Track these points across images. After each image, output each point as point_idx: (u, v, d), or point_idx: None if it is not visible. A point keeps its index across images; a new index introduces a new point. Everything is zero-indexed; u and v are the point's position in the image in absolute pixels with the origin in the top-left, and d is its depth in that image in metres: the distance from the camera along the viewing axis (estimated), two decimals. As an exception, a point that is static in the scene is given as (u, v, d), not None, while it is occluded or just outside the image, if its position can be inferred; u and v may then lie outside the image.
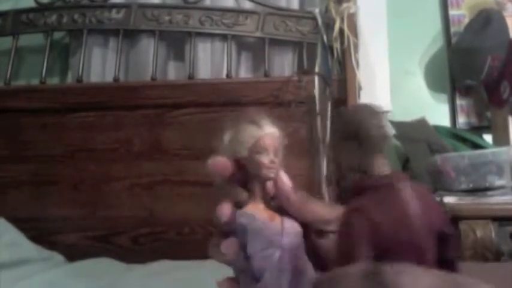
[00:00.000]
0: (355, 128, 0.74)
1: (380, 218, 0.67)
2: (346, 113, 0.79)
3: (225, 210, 0.85)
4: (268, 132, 0.88)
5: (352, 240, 0.68)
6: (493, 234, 1.22)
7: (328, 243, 0.81)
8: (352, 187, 0.73)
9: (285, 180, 0.86)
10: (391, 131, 1.71)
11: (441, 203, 1.20)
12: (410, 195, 0.71)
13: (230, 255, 0.80)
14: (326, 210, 0.85)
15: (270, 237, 0.81)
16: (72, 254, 1.44)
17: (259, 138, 0.87)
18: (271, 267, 0.79)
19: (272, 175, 0.86)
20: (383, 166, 0.75)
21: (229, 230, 0.83)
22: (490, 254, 1.21)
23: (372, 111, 0.77)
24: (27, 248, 1.37)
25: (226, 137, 0.91)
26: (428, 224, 0.72)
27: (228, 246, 0.80)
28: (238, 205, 0.85)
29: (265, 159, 0.85)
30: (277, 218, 0.86)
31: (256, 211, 0.84)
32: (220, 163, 0.87)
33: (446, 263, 0.74)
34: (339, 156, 0.80)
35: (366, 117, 0.75)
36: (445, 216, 0.79)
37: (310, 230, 0.84)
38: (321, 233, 0.83)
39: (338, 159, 0.84)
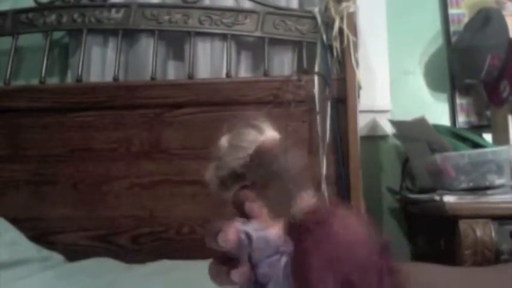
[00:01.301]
0: (273, 171, 0.71)
1: (334, 253, 0.60)
2: (260, 157, 0.76)
3: (231, 236, 0.80)
4: (269, 136, 0.86)
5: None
6: (493, 233, 1.22)
7: None
8: (294, 227, 0.70)
9: None
10: (390, 129, 1.72)
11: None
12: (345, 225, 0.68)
13: (243, 285, 0.77)
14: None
15: (275, 244, 0.80)
16: (72, 253, 1.44)
17: (259, 142, 0.85)
18: (277, 275, 0.77)
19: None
20: (308, 202, 0.73)
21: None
22: (490, 253, 1.21)
23: (284, 148, 0.76)
24: (27, 247, 1.36)
25: (223, 142, 0.89)
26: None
27: (241, 275, 0.77)
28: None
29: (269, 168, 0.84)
30: (281, 222, 0.85)
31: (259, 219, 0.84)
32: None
33: None
34: (265, 198, 0.78)
35: (279, 156, 0.72)
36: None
37: None
38: None
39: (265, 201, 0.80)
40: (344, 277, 0.62)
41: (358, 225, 0.74)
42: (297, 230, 0.63)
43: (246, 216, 0.69)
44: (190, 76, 1.65)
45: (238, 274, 0.77)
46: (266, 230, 0.83)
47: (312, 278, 0.60)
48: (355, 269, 0.63)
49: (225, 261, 0.73)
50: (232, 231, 0.76)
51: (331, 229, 0.62)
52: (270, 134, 0.86)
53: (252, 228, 0.84)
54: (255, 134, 0.87)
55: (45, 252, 1.40)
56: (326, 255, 0.60)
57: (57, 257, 1.43)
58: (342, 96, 1.51)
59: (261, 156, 0.71)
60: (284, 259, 0.81)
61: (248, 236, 0.82)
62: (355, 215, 0.66)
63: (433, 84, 1.86)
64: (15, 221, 1.41)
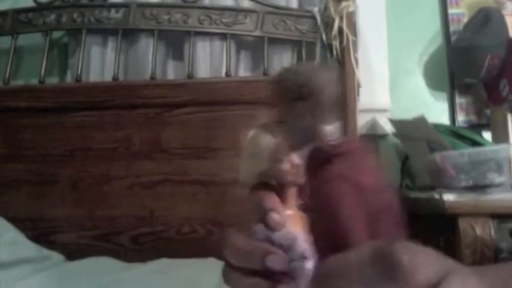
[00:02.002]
0: (306, 87, 0.67)
1: (365, 183, 0.60)
2: (293, 71, 0.72)
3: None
4: (284, 137, 0.85)
5: (345, 215, 0.59)
6: (493, 232, 1.22)
7: None
8: (318, 155, 0.67)
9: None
10: (389, 128, 1.72)
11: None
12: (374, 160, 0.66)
13: None
14: None
15: (300, 248, 0.78)
16: (72, 253, 1.44)
17: (274, 145, 0.84)
18: (303, 279, 0.76)
19: (299, 179, 0.82)
20: (338, 132, 0.71)
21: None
22: (489, 252, 1.21)
23: (322, 68, 0.72)
24: (27, 247, 1.36)
25: (244, 156, 0.86)
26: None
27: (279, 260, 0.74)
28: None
29: (286, 165, 0.82)
30: (303, 221, 0.83)
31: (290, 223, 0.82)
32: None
33: None
34: (288, 121, 0.73)
35: (317, 74, 0.69)
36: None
37: None
38: None
39: (287, 125, 0.76)
40: (372, 215, 0.62)
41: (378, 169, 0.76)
42: (322, 158, 0.61)
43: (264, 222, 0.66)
44: (190, 76, 1.65)
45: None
46: (290, 236, 0.81)
47: (343, 206, 0.59)
48: (382, 209, 0.63)
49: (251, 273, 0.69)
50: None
51: (361, 163, 0.63)
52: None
53: (276, 236, 0.81)
54: (269, 137, 0.85)
55: (45, 252, 1.40)
56: (358, 187, 0.59)
57: (57, 256, 1.43)
58: (342, 96, 1.51)
59: (292, 73, 0.69)
60: (309, 264, 0.79)
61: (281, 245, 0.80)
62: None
63: (433, 83, 1.86)
64: (15, 221, 1.41)
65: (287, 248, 0.80)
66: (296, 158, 0.82)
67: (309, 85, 0.59)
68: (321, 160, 0.61)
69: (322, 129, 0.62)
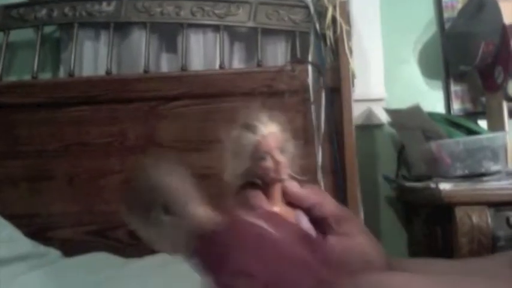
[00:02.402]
0: (157, 197, 0.63)
1: (247, 261, 0.59)
2: (137, 184, 0.67)
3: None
4: (264, 134, 0.83)
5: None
6: (489, 220, 1.23)
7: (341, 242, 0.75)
8: (200, 260, 0.64)
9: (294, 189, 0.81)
10: (385, 118, 1.71)
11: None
12: (254, 221, 0.63)
13: None
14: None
15: None
16: (69, 249, 1.44)
17: (255, 144, 0.83)
18: None
19: (283, 176, 0.82)
20: (204, 213, 0.66)
21: None
22: (486, 240, 1.21)
23: (164, 169, 0.68)
24: (24, 244, 1.36)
25: (228, 155, 0.86)
26: (288, 233, 0.64)
27: None
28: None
29: (269, 162, 0.81)
30: (292, 215, 0.83)
31: None
32: None
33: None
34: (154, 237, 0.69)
35: (161, 180, 0.64)
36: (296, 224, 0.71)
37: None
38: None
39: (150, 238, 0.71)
40: None
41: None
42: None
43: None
44: (184, 68, 1.64)
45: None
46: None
47: None
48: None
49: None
50: None
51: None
52: (264, 130, 0.84)
53: None
54: (250, 135, 0.84)
55: (42, 248, 1.40)
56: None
57: (54, 252, 1.42)
58: (336, 86, 1.50)
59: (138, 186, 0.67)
60: None
61: None
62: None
63: (428, 71, 1.85)
64: (12, 218, 1.40)
65: None
66: (278, 155, 0.81)
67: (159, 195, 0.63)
68: (204, 258, 0.64)
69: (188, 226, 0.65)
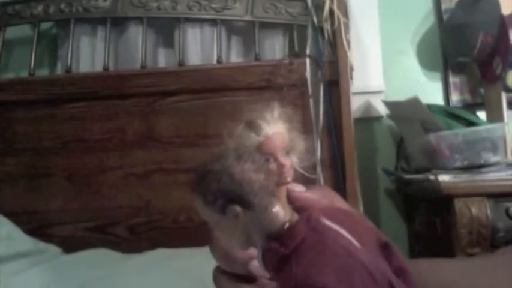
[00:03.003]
0: (233, 191, 0.57)
1: (331, 278, 0.51)
2: (210, 174, 0.60)
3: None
4: (268, 135, 0.80)
5: None
6: (489, 211, 1.22)
7: None
8: (271, 262, 0.56)
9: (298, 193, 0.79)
10: (384, 110, 1.71)
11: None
12: (337, 228, 0.56)
13: None
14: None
15: None
16: (69, 245, 1.44)
17: (258, 145, 0.80)
18: None
19: (287, 179, 0.80)
20: (283, 213, 0.60)
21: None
22: (486, 231, 1.21)
23: (241, 154, 0.61)
24: (23, 241, 1.36)
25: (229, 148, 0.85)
26: (370, 243, 0.58)
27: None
28: None
29: (272, 165, 0.79)
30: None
31: None
32: None
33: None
34: (223, 235, 0.63)
35: (241, 170, 0.58)
36: (372, 226, 0.65)
37: None
38: None
39: (225, 238, 0.64)
40: None
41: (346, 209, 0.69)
42: (278, 258, 0.55)
43: None
44: (181, 63, 1.63)
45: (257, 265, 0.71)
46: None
47: None
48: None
49: (240, 278, 0.67)
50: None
51: (319, 255, 0.54)
52: (268, 130, 0.81)
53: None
54: (253, 135, 0.82)
55: (42, 245, 1.40)
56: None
57: (54, 249, 1.42)
58: (335, 79, 1.50)
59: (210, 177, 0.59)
60: None
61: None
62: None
63: (426, 63, 1.85)
64: (11, 215, 1.40)
65: None
66: (283, 157, 0.79)
67: (237, 188, 0.56)
68: (277, 261, 0.55)
69: (263, 230, 0.58)
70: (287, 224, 0.59)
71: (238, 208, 0.56)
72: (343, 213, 0.63)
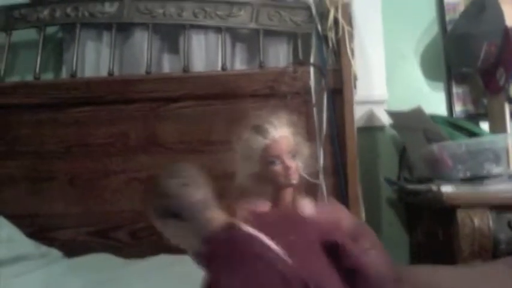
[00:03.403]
0: (170, 204, 0.64)
1: (237, 284, 0.57)
2: (158, 187, 0.68)
3: None
4: (275, 138, 0.82)
5: None
6: (491, 223, 1.22)
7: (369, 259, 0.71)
8: (201, 264, 0.65)
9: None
10: (387, 120, 1.71)
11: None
12: (257, 235, 0.61)
13: None
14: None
15: None
16: (70, 249, 1.45)
17: (265, 147, 0.81)
18: None
19: (293, 181, 0.81)
20: (214, 218, 0.66)
21: None
22: (488, 242, 1.21)
23: (176, 173, 0.68)
24: (25, 244, 1.36)
25: (238, 159, 0.85)
26: (305, 246, 0.62)
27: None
28: None
29: (278, 167, 0.80)
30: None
31: None
32: None
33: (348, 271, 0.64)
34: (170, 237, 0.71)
35: (172, 188, 0.65)
36: (317, 224, 0.68)
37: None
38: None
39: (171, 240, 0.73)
40: None
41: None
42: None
43: None
44: (186, 69, 1.64)
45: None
46: None
47: None
48: None
49: None
50: None
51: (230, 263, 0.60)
52: (275, 134, 0.83)
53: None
54: (260, 139, 0.83)
55: (44, 249, 1.40)
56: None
57: (55, 253, 1.43)
58: (338, 87, 1.50)
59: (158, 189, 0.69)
60: None
61: None
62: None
63: (430, 73, 1.85)
64: (13, 218, 1.41)
65: None
66: (288, 160, 0.80)
67: (172, 203, 0.63)
68: (202, 264, 0.64)
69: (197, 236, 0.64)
70: (215, 231, 0.64)
71: (173, 220, 0.63)
72: (283, 218, 0.69)
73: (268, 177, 0.84)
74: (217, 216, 0.67)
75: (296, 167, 0.82)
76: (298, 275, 0.57)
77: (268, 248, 0.60)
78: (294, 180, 0.83)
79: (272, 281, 0.56)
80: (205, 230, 0.64)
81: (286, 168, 0.81)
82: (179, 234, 0.65)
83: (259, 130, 0.83)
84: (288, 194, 0.85)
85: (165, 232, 0.67)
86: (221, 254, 0.60)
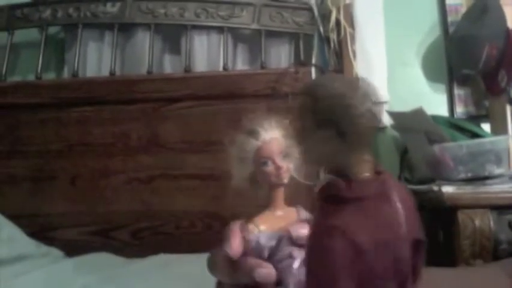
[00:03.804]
0: (335, 113, 0.54)
1: (363, 238, 0.52)
2: (320, 89, 0.56)
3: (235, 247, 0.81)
4: (266, 140, 0.86)
5: (332, 270, 0.51)
6: (492, 223, 1.22)
7: None
8: (330, 195, 0.55)
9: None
10: (388, 121, 1.71)
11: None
12: (399, 205, 0.57)
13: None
14: None
15: (286, 250, 0.79)
16: (71, 249, 1.45)
17: (257, 149, 0.86)
18: (292, 278, 0.77)
19: (283, 180, 0.85)
20: (367, 166, 0.58)
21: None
22: (489, 243, 1.21)
23: (362, 91, 0.57)
24: (26, 243, 1.37)
25: (233, 161, 0.89)
26: (410, 233, 0.59)
27: (267, 274, 0.76)
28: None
29: (270, 167, 0.84)
30: (294, 218, 0.85)
31: (270, 222, 0.84)
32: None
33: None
34: (308, 150, 0.60)
35: (351, 98, 0.54)
36: (418, 221, 0.66)
37: None
38: None
39: (306, 154, 0.62)
40: (364, 276, 0.54)
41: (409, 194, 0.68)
42: (334, 196, 0.55)
43: None
44: (187, 69, 1.64)
45: (263, 275, 0.72)
46: (277, 237, 0.80)
47: (328, 264, 0.52)
48: (376, 272, 0.55)
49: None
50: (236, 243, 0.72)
51: (368, 217, 0.55)
52: (266, 136, 0.86)
53: (263, 236, 0.82)
54: (253, 141, 0.87)
55: (45, 248, 1.40)
56: (354, 246, 0.52)
57: (56, 252, 1.43)
58: (340, 88, 1.50)
59: (320, 91, 0.56)
60: (296, 263, 0.78)
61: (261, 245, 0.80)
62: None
63: (431, 74, 1.85)
64: (14, 217, 1.41)
65: (274, 249, 0.81)
66: (280, 160, 0.84)
67: (348, 114, 0.53)
68: (332, 198, 0.55)
69: (347, 165, 0.56)
70: (363, 175, 0.58)
71: (335, 131, 0.54)
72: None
73: (260, 177, 0.88)
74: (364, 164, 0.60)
75: (287, 167, 0.86)
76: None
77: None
78: (285, 179, 0.87)
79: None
80: (356, 165, 0.57)
81: (277, 168, 0.86)
82: (325, 147, 0.55)
83: (251, 133, 0.88)
84: (279, 193, 0.89)
85: (310, 137, 0.57)
86: (364, 206, 0.55)
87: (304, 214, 0.88)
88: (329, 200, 0.55)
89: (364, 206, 0.53)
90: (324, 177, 0.59)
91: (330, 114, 0.53)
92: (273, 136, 0.88)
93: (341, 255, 0.51)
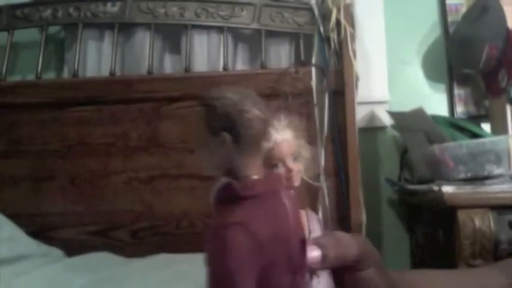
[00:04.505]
0: (230, 118, 0.57)
1: (258, 227, 0.53)
2: (215, 99, 0.59)
3: None
4: (278, 141, 0.84)
5: (232, 263, 0.52)
6: (492, 223, 1.22)
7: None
8: (226, 196, 0.57)
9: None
10: (388, 120, 1.71)
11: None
12: (286, 201, 0.58)
13: None
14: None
15: None
16: (71, 248, 1.44)
17: (269, 150, 0.83)
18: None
19: (295, 183, 0.83)
20: (259, 168, 0.59)
21: None
22: (489, 243, 1.21)
23: (253, 99, 0.59)
24: (26, 243, 1.36)
25: None
26: (297, 229, 0.63)
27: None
28: None
29: (281, 170, 0.82)
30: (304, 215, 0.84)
31: None
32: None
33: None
34: (207, 158, 0.68)
35: (243, 104, 0.57)
36: (302, 222, 0.70)
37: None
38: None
39: (206, 162, 0.70)
40: (266, 268, 0.57)
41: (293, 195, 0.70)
42: (231, 196, 0.55)
43: None
44: (187, 69, 1.64)
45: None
46: None
47: (229, 260, 0.51)
48: (278, 262, 0.58)
49: None
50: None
51: (267, 210, 0.55)
52: (278, 136, 0.84)
53: None
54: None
55: (44, 248, 1.40)
56: (254, 238, 0.52)
57: (56, 252, 1.43)
58: (340, 88, 1.50)
59: (218, 102, 0.62)
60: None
61: None
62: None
63: (431, 74, 1.85)
64: (14, 217, 1.40)
65: None
66: (291, 163, 0.82)
67: (240, 118, 0.56)
68: (229, 198, 0.56)
69: (240, 168, 0.57)
70: (255, 176, 0.60)
71: (228, 136, 0.57)
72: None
73: None
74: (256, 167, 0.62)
75: (298, 170, 0.84)
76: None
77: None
78: (296, 182, 0.85)
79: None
80: (248, 167, 0.59)
81: (289, 171, 0.83)
82: (223, 154, 0.58)
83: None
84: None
85: (207, 146, 0.59)
86: (256, 203, 0.57)
87: (314, 217, 0.86)
88: (224, 201, 0.56)
89: (257, 202, 0.55)
90: (220, 180, 0.60)
91: (225, 120, 0.56)
92: (284, 137, 0.85)
93: (239, 248, 0.51)
